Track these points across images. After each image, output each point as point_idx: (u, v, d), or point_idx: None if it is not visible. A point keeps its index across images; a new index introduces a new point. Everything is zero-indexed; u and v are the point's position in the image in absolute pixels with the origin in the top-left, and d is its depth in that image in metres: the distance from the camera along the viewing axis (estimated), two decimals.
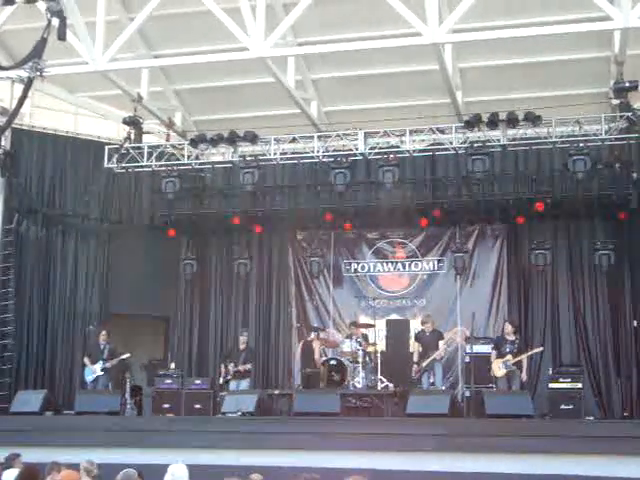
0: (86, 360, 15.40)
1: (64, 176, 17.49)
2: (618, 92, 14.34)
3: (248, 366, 15.51)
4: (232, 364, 15.26)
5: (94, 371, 15.15)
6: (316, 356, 15.73)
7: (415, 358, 14.98)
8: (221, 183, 17.79)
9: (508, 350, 13.92)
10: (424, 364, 14.64)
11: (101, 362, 15.12)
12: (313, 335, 16.15)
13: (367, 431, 11.93)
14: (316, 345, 15.87)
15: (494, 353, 14.13)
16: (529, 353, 14.28)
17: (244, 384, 15.22)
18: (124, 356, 15.22)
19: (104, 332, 15.48)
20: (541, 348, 15.01)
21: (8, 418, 13.94)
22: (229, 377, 15.17)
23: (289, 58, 15.40)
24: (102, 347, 15.32)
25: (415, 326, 16.43)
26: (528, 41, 13.89)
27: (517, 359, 13.83)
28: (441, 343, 14.87)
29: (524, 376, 13.88)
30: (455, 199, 16.52)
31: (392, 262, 17.63)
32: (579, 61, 15.06)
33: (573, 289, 16.43)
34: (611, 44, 14.46)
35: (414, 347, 15.29)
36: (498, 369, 13.90)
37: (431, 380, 14.73)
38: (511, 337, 14.17)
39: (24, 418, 13.50)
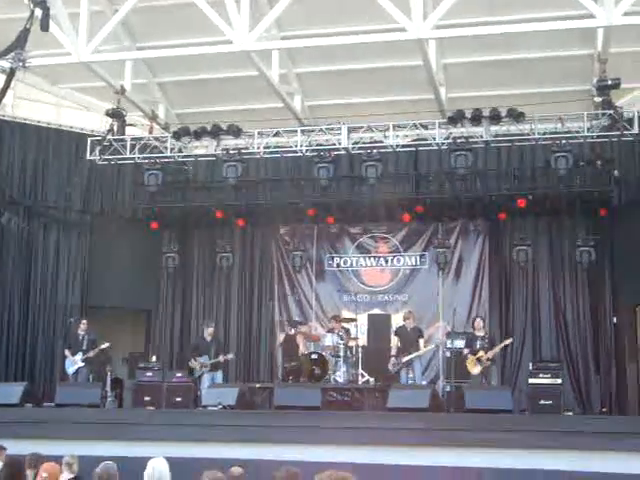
0: (67, 352, 15.30)
1: (46, 168, 17.42)
2: (601, 90, 14.40)
3: (230, 355, 15.53)
4: (205, 356, 15.17)
5: (75, 362, 15.07)
6: (301, 349, 15.70)
7: (393, 352, 15.00)
8: (204, 176, 17.79)
9: (479, 346, 13.97)
10: (404, 360, 14.65)
11: (81, 353, 15.05)
12: (293, 330, 16.12)
13: (348, 425, 11.93)
14: (300, 339, 15.85)
15: (466, 350, 14.17)
16: (500, 346, 14.33)
17: (218, 376, 15.18)
18: (103, 346, 15.13)
19: (83, 322, 15.39)
20: (510, 339, 15.02)
21: None
22: (204, 370, 15.07)
23: (273, 52, 15.39)
24: (81, 337, 15.20)
25: (397, 321, 16.48)
26: (512, 38, 13.95)
27: (490, 354, 13.87)
28: (421, 341, 14.88)
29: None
30: (438, 195, 16.57)
31: (375, 257, 17.68)
32: (562, 58, 15.13)
33: (554, 285, 16.53)
34: (594, 42, 14.54)
35: (393, 341, 15.32)
36: (473, 366, 13.93)
37: (410, 375, 14.76)
38: (480, 333, 14.21)
39: (4, 410, 13.41)
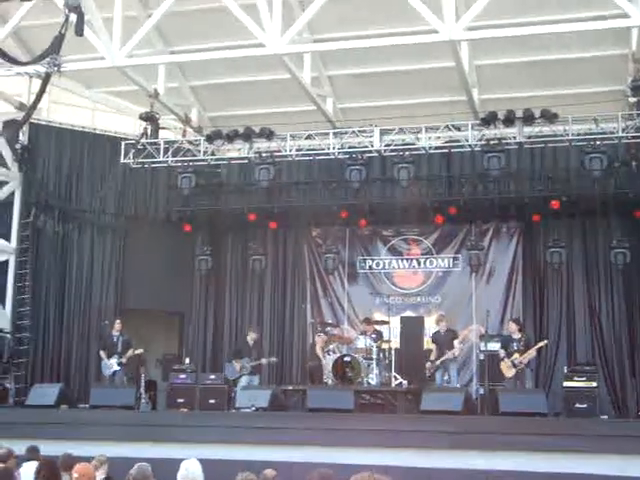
0: (102, 354, 15.43)
1: (81, 171, 17.62)
2: (635, 90, 14.29)
3: (274, 358, 15.75)
4: (246, 358, 15.28)
5: (111, 366, 15.20)
6: (318, 352, 15.69)
7: (432, 357, 14.98)
8: (237, 179, 17.85)
9: (515, 348, 13.90)
10: (438, 362, 14.65)
11: (116, 357, 15.15)
12: (322, 335, 16.08)
13: (380, 428, 11.92)
14: (318, 340, 15.83)
15: (502, 352, 14.10)
16: (535, 347, 14.23)
17: (255, 380, 15.25)
18: (138, 351, 15.27)
19: (117, 322, 15.51)
20: (545, 342, 14.94)
21: (24, 411, 14.03)
22: (244, 372, 15.19)
23: (305, 55, 15.41)
24: (115, 339, 15.34)
25: (430, 323, 16.45)
26: (544, 38, 13.87)
27: (524, 356, 13.79)
28: (456, 342, 14.87)
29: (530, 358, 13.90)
30: (470, 196, 16.46)
31: (407, 259, 17.64)
32: (596, 59, 15.00)
33: (588, 287, 16.38)
34: (628, 41, 14.39)
35: (432, 347, 15.27)
36: (507, 369, 13.87)
37: (445, 378, 14.73)
38: (517, 335, 14.14)
39: (40, 411, 13.55)
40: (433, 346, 15.15)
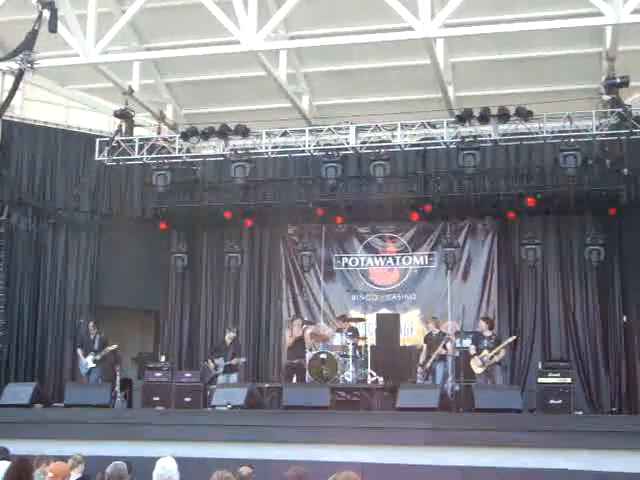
0: (79, 351, 15.48)
1: (55, 168, 17.47)
2: (609, 88, 14.35)
3: (243, 359, 15.60)
4: (221, 358, 15.28)
5: (87, 364, 15.22)
6: (307, 349, 15.70)
7: (421, 360, 14.98)
8: (212, 176, 17.78)
9: (485, 345, 13.98)
10: (428, 365, 14.66)
11: (92, 354, 15.18)
12: (305, 326, 16.12)
13: (357, 425, 11.93)
14: (308, 339, 15.85)
15: (472, 349, 14.16)
16: (503, 344, 14.29)
17: (233, 377, 15.26)
18: (111, 347, 15.27)
19: (92, 322, 15.60)
20: (514, 337, 15.07)
21: None
22: (219, 371, 15.19)
23: (281, 52, 15.37)
24: (92, 337, 15.40)
25: (405, 320, 16.54)
26: (520, 36, 13.91)
27: (493, 352, 13.86)
28: (448, 345, 14.83)
29: (500, 356, 13.96)
30: (446, 194, 16.50)
31: (383, 256, 17.68)
32: (570, 57, 15.09)
33: (563, 284, 16.50)
34: (602, 40, 14.49)
35: (423, 347, 15.26)
36: (476, 366, 13.95)
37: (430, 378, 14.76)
38: (487, 333, 14.23)
39: (14, 410, 13.46)
40: (425, 346, 15.14)
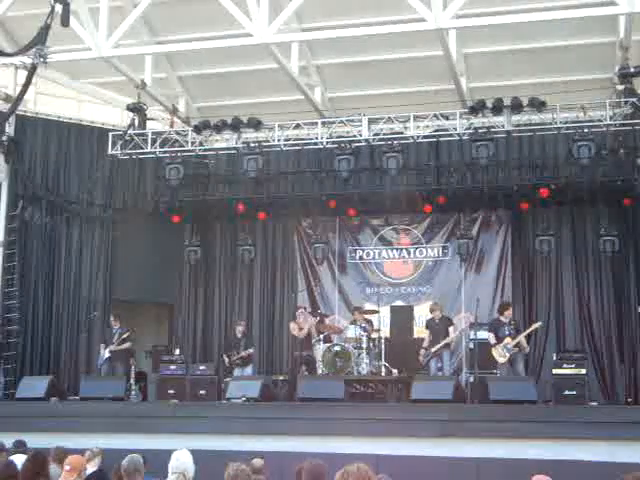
0: (101, 347, 15.73)
1: (68, 162, 17.48)
2: (623, 77, 14.28)
3: (250, 350, 15.65)
4: (234, 352, 15.37)
5: (103, 356, 15.49)
6: (312, 340, 15.74)
7: (425, 344, 15.00)
8: (225, 169, 17.77)
9: (507, 333, 13.93)
10: (433, 349, 14.65)
11: (111, 346, 15.44)
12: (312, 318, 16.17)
13: (371, 417, 11.96)
14: (313, 331, 15.87)
15: (491, 336, 14.12)
16: (527, 331, 14.27)
17: (248, 370, 15.32)
18: (124, 335, 15.39)
19: (112, 317, 15.83)
20: (539, 323, 15.01)
21: (13, 404, 14.01)
22: (233, 365, 15.26)
23: (293, 44, 15.32)
24: (114, 332, 15.62)
25: (419, 313, 16.53)
26: (533, 26, 13.82)
27: (516, 340, 13.84)
28: (451, 329, 14.88)
29: (525, 347, 13.96)
30: (459, 185, 16.44)
31: (397, 249, 17.66)
32: (584, 46, 14.99)
33: (577, 275, 16.44)
34: (616, 29, 14.38)
35: (425, 334, 15.28)
36: (499, 355, 13.89)
37: (439, 365, 14.76)
38: (505, 319, 14.17)
39: (29, 404, 13.54)
40: (427, 333, 15.14)
